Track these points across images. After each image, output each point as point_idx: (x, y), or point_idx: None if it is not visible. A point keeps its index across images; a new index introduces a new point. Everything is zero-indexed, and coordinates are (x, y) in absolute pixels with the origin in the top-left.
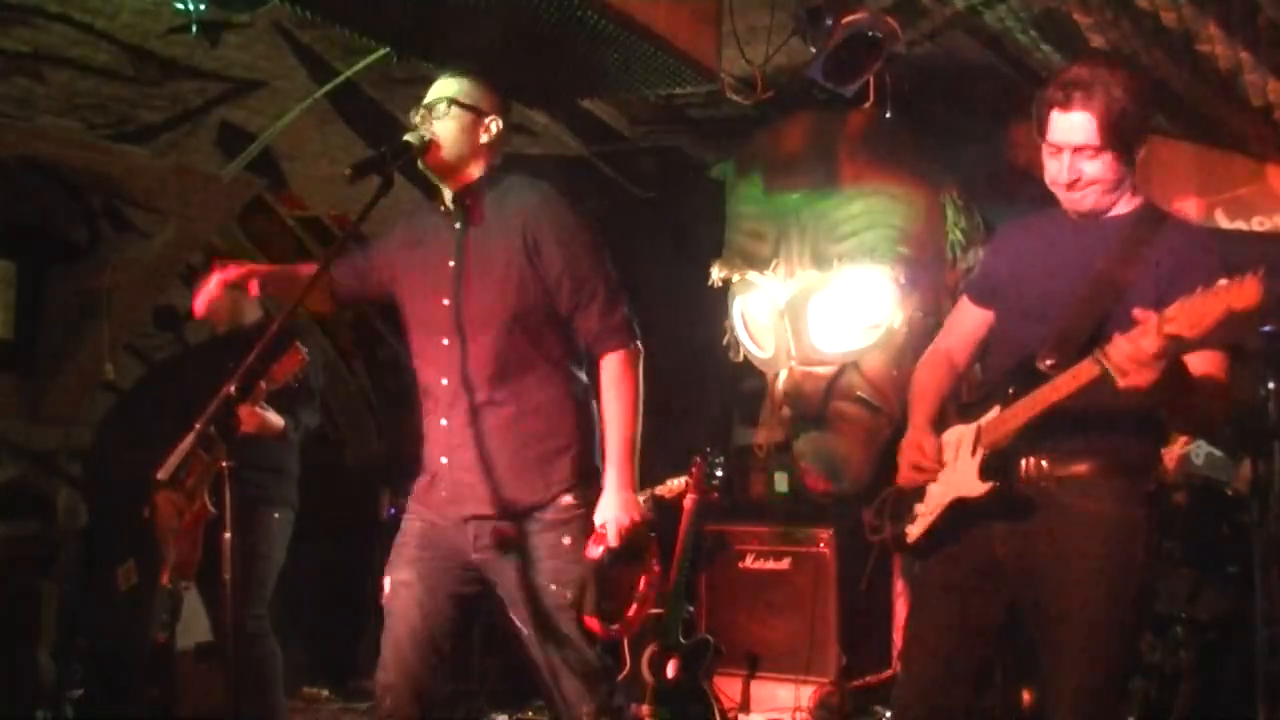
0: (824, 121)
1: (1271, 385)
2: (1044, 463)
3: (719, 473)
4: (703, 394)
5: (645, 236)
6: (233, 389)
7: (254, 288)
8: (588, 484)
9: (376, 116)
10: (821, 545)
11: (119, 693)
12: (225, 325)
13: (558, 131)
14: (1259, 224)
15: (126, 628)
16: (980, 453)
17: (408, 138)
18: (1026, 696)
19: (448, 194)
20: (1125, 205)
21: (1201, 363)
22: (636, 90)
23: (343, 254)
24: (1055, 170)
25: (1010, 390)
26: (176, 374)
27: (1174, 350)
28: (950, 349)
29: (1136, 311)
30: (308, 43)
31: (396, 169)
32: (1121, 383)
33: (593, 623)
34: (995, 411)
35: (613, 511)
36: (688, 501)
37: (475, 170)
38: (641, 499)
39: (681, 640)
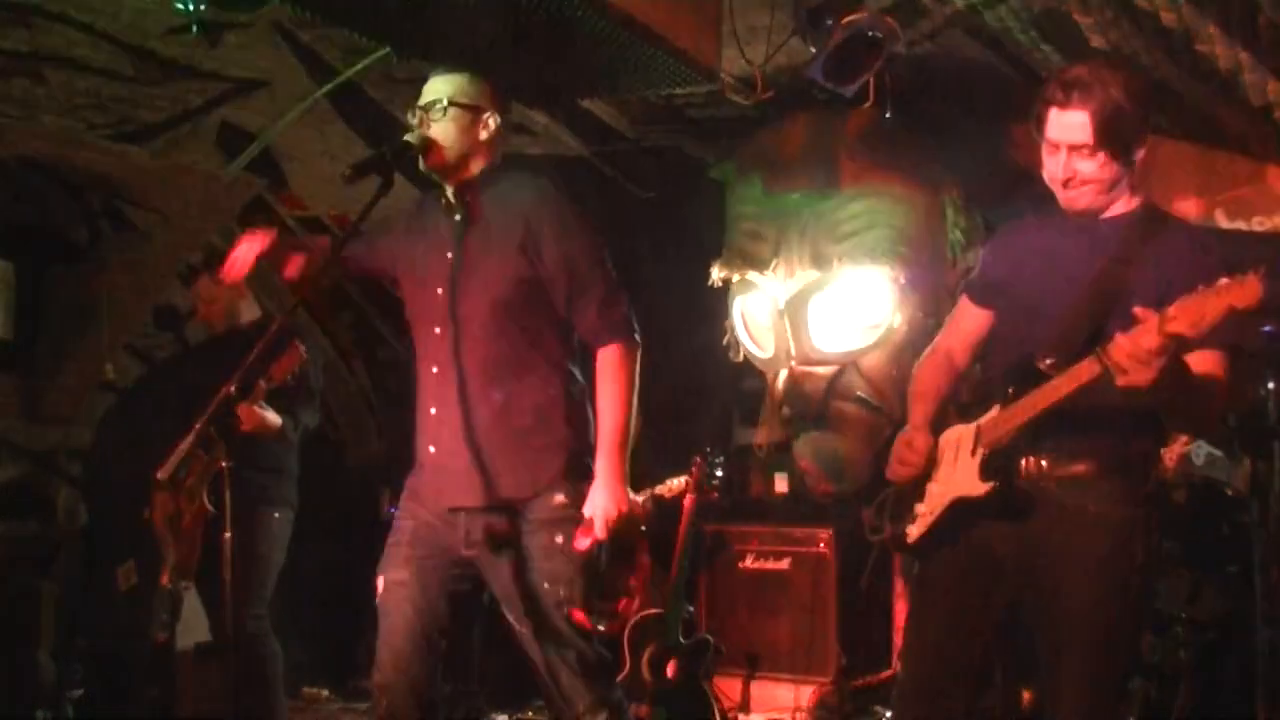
0: (824, 121)
1: (1271, 385)
2: (1044, 462)
3: (719, 473)
4: (703, 394)
5: (645, 236)
6: (232, 388)
7: (292, 266)
8: (580, 483)
9: (376, 116)
10: (821, 545)
11: (119, 693)
12: (223, 325)
13: (558, 131)
14: (1259, 224)
15: (126, 628)
16: (980, 452)
17: (407, 138)
18: (1026, 696)
19: (449, 189)
20: (1124, 205)
21: (1201, 362)
22: (636, 90)
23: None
24: (1052, 168)
25: (1010, 390)
26: (176, 374)
27: (1174, 349)
28: (950, 349)
29: (1138, 310)
30: (308, 43)
31: (396, 169)
32: (1121, 381)
33: (580, 615)
34: (995, 411)
35: (601, 503)
36: (688, 501)
37: (475, 166)
38: (641, 499)
39: (681, 640)
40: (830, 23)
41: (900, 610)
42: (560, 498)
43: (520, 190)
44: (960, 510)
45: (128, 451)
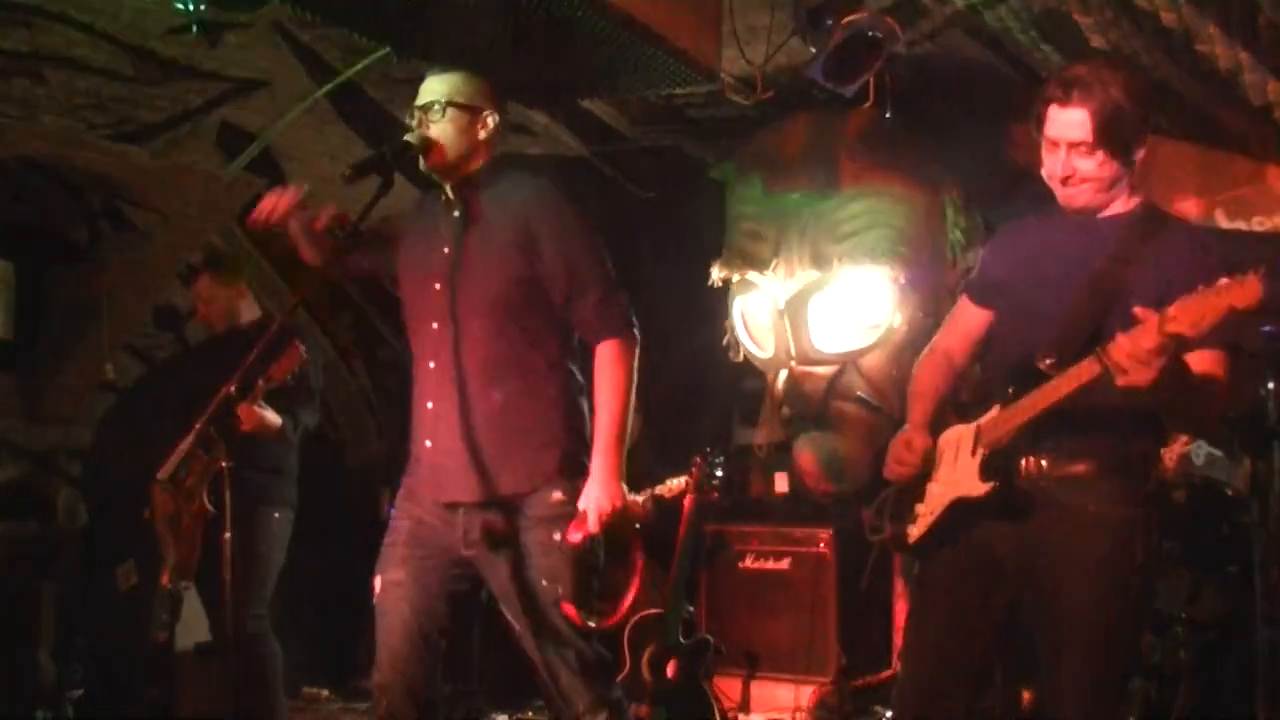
0: (824, 121)
1: (1271, 385)
2: (1044, 462)
3: (719, 473)
4: (703, 394)
5: (645, 236)
6: (232, 388)
7: (321, 220)
8: (578, 480)
9: (376, 116)
10: (821, 545)
11: (119, 693)
12: (223, 325)
13: (558, 131)
14: (1259, 224)
15: (126, 628)
16: (980, 453)
17: (407, 138)
18: (1026, 696)
19: (448, 187)
20: (1123, 205)
21: (1201, 361)
22: (636, 90)
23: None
24: (1052, 165)
25: (1010, 390)
26: (176, 374)
27: (1174, 349)
28: (949, 348)
29: (1138, 310)
30: (308, 43)
31: (396, 169)
32: (1120, 381)
33: (570, 610)
34: (995, 411)
35: (595, 497)
36: (688, 501)
37: (475, 164)
38: (641, 499)
39: (681, 640)
40: (830, 23)
41: (900, 610)
42: (558, 495)
43: (519, 189)
44: (960, 510)
45: (128, 451)
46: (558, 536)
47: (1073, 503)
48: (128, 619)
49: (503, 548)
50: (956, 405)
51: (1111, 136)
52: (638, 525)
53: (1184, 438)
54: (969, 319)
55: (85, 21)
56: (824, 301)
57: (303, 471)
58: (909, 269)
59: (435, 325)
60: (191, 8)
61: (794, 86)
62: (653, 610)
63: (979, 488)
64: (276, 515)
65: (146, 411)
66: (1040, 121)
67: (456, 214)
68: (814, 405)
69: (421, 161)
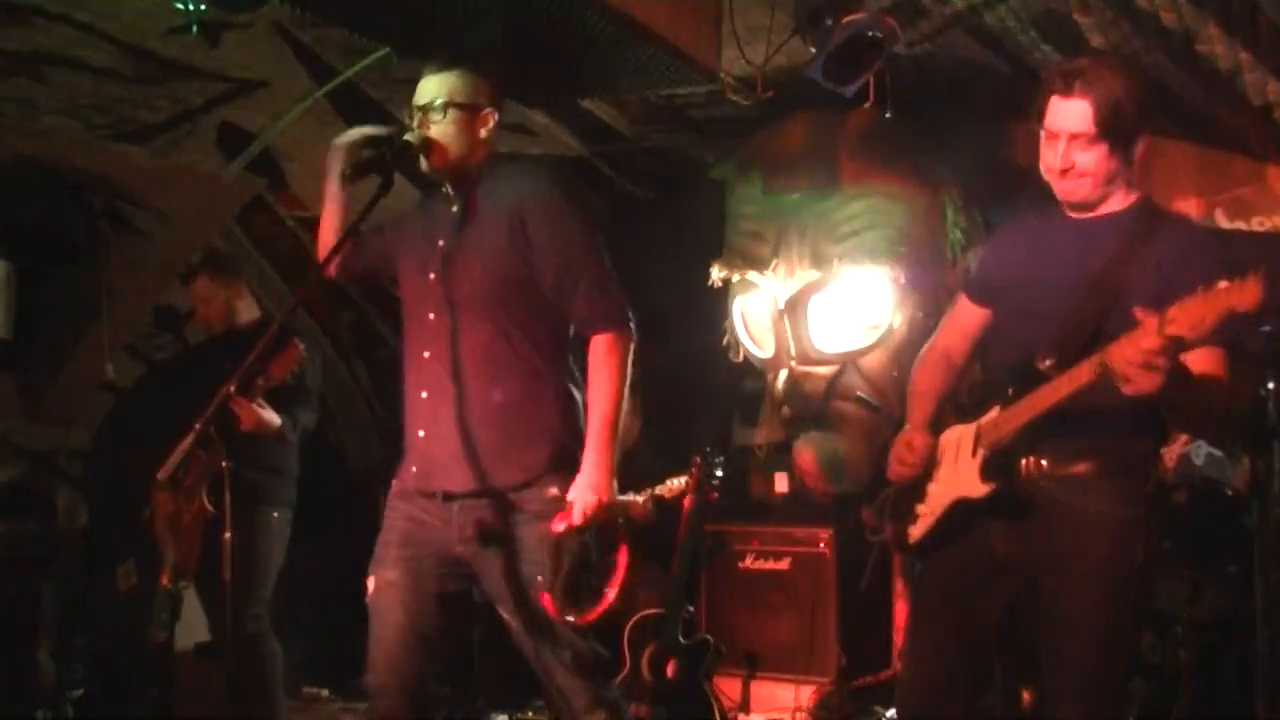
0: (824, 121)
1: (1271, 385)
2: (1044, 462)
3: (719, 473)
4: (703, 394)
5: (645, 236)
6: (232, 388)
7: None
8: (571, 475)
9: (376, 116)
10: (821, 545)
11: (119, 693)
12: (222, 325)
13: (558, 131)
14: (1259, 224)
15: (126, 628)
16: (981, 454)
17: (407, 138)
18: (1026, 696)
19: (448, 183)
20: (1120, 201)
21: (1201, 360)
22: (636, 90)
23: (342, 254)
24: (1050, 158)
25: (1010, 391)
26: (176, 374)
27: (1175, 351)
28: (948, 347)
29: (1138, 312)
30: (308, 43)
31: (396, 169)
32: (1127, 390)
33: (548, 601)
34: (995, 412)
35: (582, 490)
36: (688, 501)
37: (475, 162)
38: (641, 499)
39: (681, 640)
40: (830, 23)
41: (900, 610)
42: (553, 490)
43: (516, 183)
44: (961, 511)
45: (128, 451)
46: (561, 525)
47: (1073, 503)
48: (128, 619)
49: (496, 544)
50: (956, 405)
51: (1113, 128)
52: (622, 521)
53: (1184, 438)
54: (967, 318)
55: (85, 21)
56: (824, 301)
57: (303, 471)
58: (909, 269)
59: (431, 316)
60: (191, 8)
61: (794, 86)
62: (653, 610)
63: (980, 489)
64: (276, 515)
65: (146, 411)
66: (1041, 113)
67: (455, 208)
68: (814, 405)
69: (423, 162)
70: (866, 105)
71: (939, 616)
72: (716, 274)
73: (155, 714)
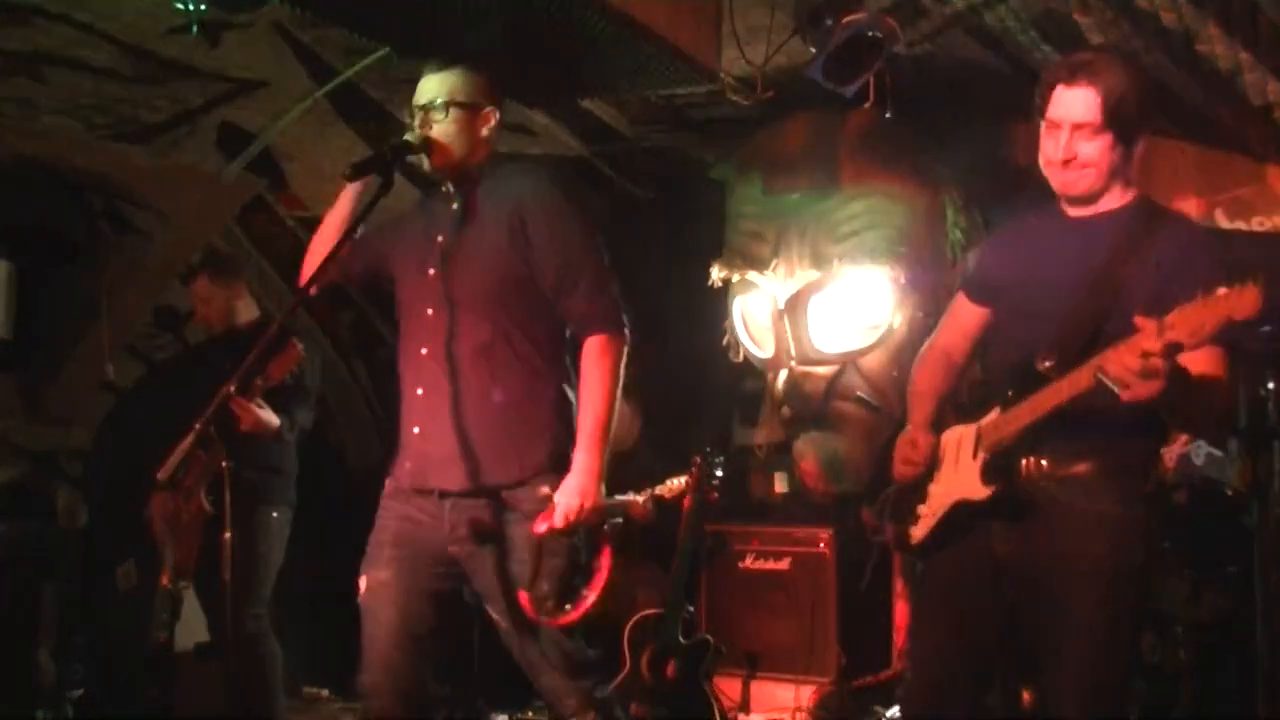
0: (824, 121)
1: (1271, 385)
2: (1044, 462)
3: (719, 473)
4: (703, 394)
5: (645, 236)
6: (232, 388)
7: None
8: (565, 475)
9: (376, 116)
10: (821, 545)
11: (119, 693)
12: (221, 325)
13: (558, 131)
14: (1259, 224)
15: (126, 628)
16: (982, 455)
17: (407, 137)
18: (1026, 696)
19: (449, 182)
20: (1118, 199)
21: (1201, 360)
22: (636, 90)
23: (341, 255)
24: (1052, 149)
25: (1010, 393)
26: (176, 374)
27: (1172, 356)
28: (947, 346)
29: (1137, 319)
30: (308, 43)
31: (396, 169)
32: (1125, 396)
33: (525, 599)
34: (995, 413)
35: (567, 493)
36: (687, 501)
37: (477, 160)
38: (641, 499)
39: (681, 640)
40: (830, 23)
41: (900, 610)
42: (546, 489)
43: (516, 180)
44: (962, 512)
45: (128, 451)
46: (543, 525)
47: (1073, 503)
48: (128, 619)
49: (488, 542)
50: (956, 405)
51: (1118, 118)
52: (606, 526)
53: (1184, 438)
54: (966, 317)
55: (85, 21)
56: (824, 301)
57: (302, 471)
58: (909, 269)
59: (430, 312)
60: (191, 8)
61: (794, 86)
62: (653, 610)
63: (981, 491)
64: (275, 515)
65: (146, 411)
66: (1043, 103)
67: (455, 206)
68: (814, 405)
69: (425, 162)
70: (866, 105)
71: (940, 617)
72: (716, 274)
73: (155, 714)
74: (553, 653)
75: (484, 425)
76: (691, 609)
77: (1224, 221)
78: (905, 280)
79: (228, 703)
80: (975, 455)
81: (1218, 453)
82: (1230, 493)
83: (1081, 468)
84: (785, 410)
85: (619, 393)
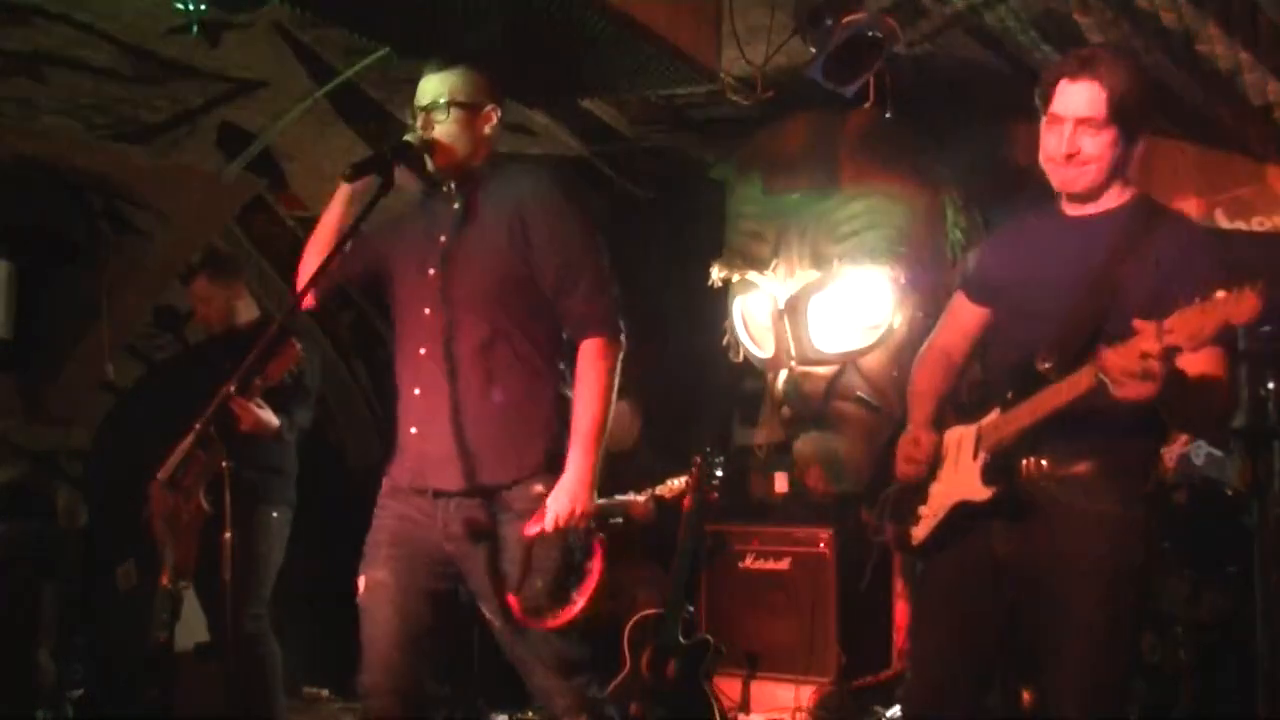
0: (824, 121)
1: (1271, 385)
2: (1044, 462)
3: (719, 473)
4: (703, 394)
5: (645, 236)
6: (232, 388)
7: None
8: (560, 476)
9: (376, 116)
10: (821, 545)
11: (119, 693)
12: (221, 325)
13: (558, 131)
14: (1259, 224)
15: (126, 628)
16: (982, 456)
17: (407, 138)
18: (1026, 696)
19: (451, 181)
20: (1118, 197)
21: (1201, 360)
22: (637, 90)
23: (341, 255)
24: (1054, 145)
25: (1009, 394)
26: (176, 374)
27: (1171, 359)
28: (947, 345)
29: (1136, 322)
30: (308, 43)
31: (396, 169)
32: (1117, 393)
33: (513, 601)
34: (995, 414)
35: (558, 496)
36: (688, 501)
37: (479, 159)
38: (642, 499)
39: (681, 640)
40: (830, 23)
41: (900, 610)
42: (539, 488)
43: (518, 181)
44: (963, 513)
45: (128, 451)
46: (535, 528)
47: (1073, 503)
48: (128, 619)
49: (482, 541)
50: (956, 405)
51: (1123, 113)
52: (597, 528)
53: (1184, 438)
54: (966, 316)
55: (85, 21)
56: (824, 301)
57: (302, 471)
58: (909, 269)
59: (427, 311)
60: (191, 8)
61: (794, 86)
62: (653, 610)
63: (982, 493)
64: (275, 515)
65: (146, 411)
66: (1046, 98)
67: (457, 205)
68: (814, 405)
69: (428, 162)
70: (866, 105)
71: (941, 618)
72: (716, 274)
73: (155, 714)
74: (544, 651)
75: (482, 425)
76: (691, 609)
77: (1224, 221)
78: (905, 280)
79: (228, 703)
80: (975, 456)
81: (1218, 453)
82: (1230, 493)
83: (1081, 468)
84: (785, 410)
85: (614, 396)
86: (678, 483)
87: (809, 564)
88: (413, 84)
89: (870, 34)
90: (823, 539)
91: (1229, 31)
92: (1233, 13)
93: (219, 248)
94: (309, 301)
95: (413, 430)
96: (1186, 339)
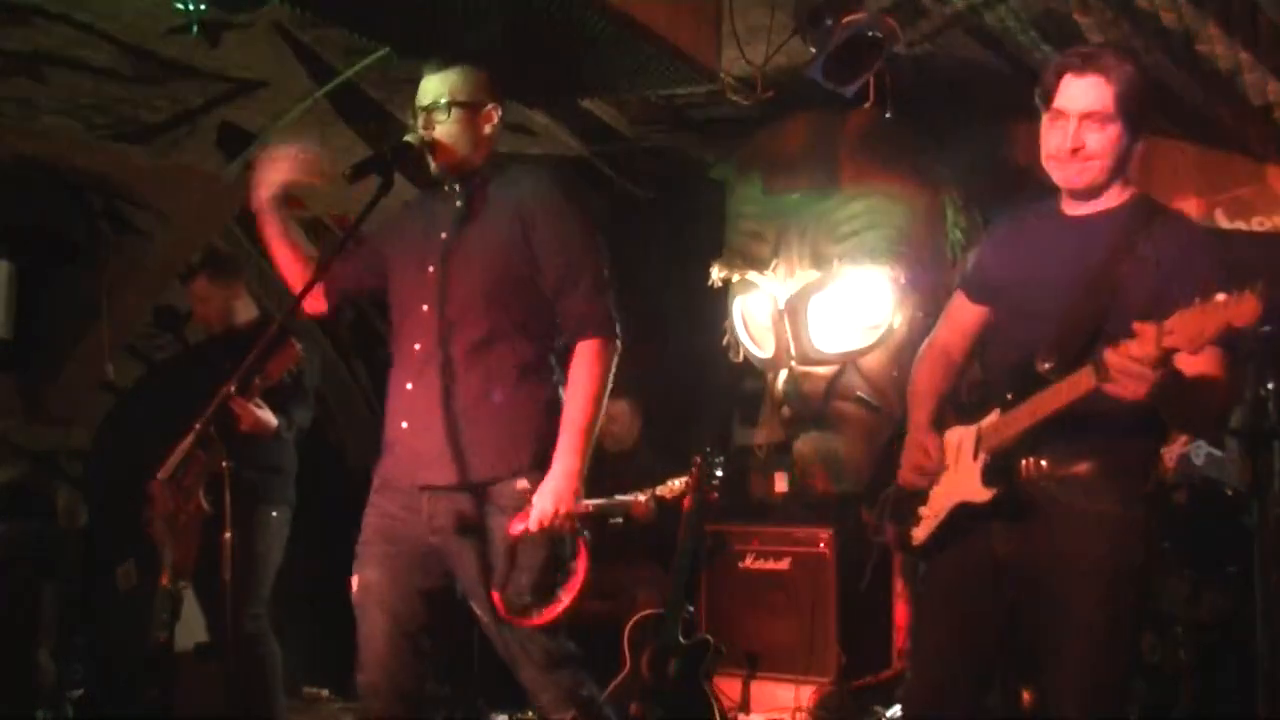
0: (824, 121)
1: (1271, 385)
2: (1044, 463)
3: (719, 473)
4: (703, 394)
5: (645, 236)
6: (232, 388)
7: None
8: (547, 473)
9: (376, 116)
10: (821, 545)
11: (119, 693)
12: (220, 325)
13: (558, 131)
14: (1259, 224)
15: (126, 628)
16: (982, 457)
17: (408, 138)
18: (1026, 696)
19: (453, 181)
20: (1117, 196)
21: (1200, 360)
22: (637, 90)
23: (342, 255)
24: (1058, 141)
25: (1009, 394)
26: (176, 374)
27: (1170, 360)
28: (946, 345)
29: (1135, 325)
30: (308, 43)
31: (396, 169)
32: (1109, 389)
33: (497, 598)
34: (995, 415)
35: (543, 495)
36: (688, 501)
37: (480, 158)
38: (642, 499)
39: (681, 640)
40: (830, 23)
41: (900, 610)
42: (524, 483)
43: (520, 181)
44: (963, 514)
45: (128, 451)
46: (519, 526)
47: (1073, 503)
48: (128, 619)
49: (469, 536)
50: (956, 405)
51: (1128, 108)
52: (584, 534)
53: (1184, 438)
54: (965, 315)
55: (85, 21)
56: (824, 301)
57: (302, 471)
58: (909, 269)
59: (425, 308)
60: (191, 8)
61: (794, 86)
62: (653, 610)
63: (982, 494)
64: (275, 514)
65: (146, 411)
66: (1049, 94)
67: (459, 204)
68: (814, 405)
69: (430, 162)
70: (866, 105)
71: (942, 618)
72: (716, 274)
73: (155, 714)
74: (530, 646)
75: (475, 422)
76: (691, 609)
77: (1224, 221)
78: (905, 280)
79: (228, 703)
80: (975, 457)
81: (1218, 453)
82: (1230, 493)
83: (1081, 468)
84: (785, 410)
85: (606, 398)
86: (678, 483)
87: (809, 564)
88: (413, 84)
89: (870, 34)
90: (823, 539)
91: (1229, 31)
92: (1233, 13)
93: (219, 248)
94: (320, 307)
95: (403, 424)
96: (1187, 341)
